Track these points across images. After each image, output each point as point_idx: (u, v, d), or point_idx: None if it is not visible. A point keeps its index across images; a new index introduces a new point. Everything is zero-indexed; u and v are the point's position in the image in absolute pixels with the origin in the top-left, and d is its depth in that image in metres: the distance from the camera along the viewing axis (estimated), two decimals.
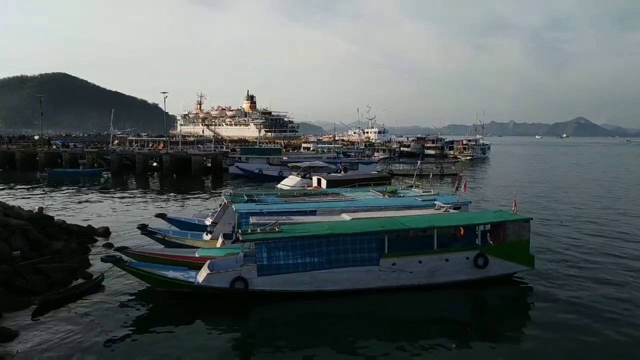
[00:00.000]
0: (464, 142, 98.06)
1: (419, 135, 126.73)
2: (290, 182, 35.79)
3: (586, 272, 16.18)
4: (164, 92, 67.32)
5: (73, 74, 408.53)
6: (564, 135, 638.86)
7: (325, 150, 72.91)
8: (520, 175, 58.62)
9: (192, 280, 13.25)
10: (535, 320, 12.41)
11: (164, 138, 77.36)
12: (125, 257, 14.09)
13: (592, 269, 16.63)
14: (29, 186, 41.13)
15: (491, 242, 15.42)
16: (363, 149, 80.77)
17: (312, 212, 17.28)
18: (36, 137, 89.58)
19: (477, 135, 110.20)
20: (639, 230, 23.51)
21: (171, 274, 13.57)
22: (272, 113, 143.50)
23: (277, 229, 13.82)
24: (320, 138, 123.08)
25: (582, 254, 18.62)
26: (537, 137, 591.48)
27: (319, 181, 28.95)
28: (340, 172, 37.90)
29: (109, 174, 53.15)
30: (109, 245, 18.96)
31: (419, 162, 46.00)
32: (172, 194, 37.18)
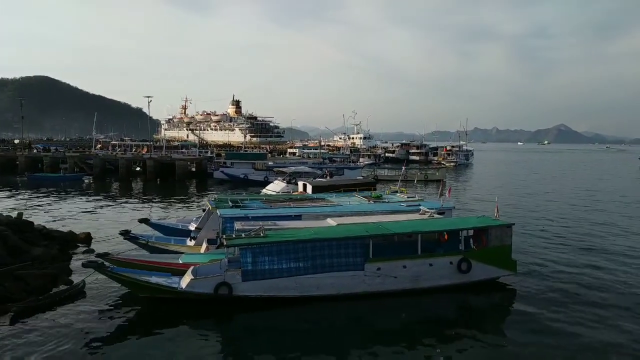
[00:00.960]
0: (448, 149, 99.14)
1: (403, 141, 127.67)
2: (276, 187, 35.68)
3: (568, 276, 16.43)
4: (148, 96, 66.59)
5: (55, 77, 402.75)
6: (546, 142, 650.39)
7: (311, 156, 73.00)
8: (502, 181, 59.42)
9: (176, 285, 13.12)
10: (518, 324, 12.54)
11: (147, 142, 76.59)
12: (107, 263, 13.87)
13: (574, 273, 16.89)
14: (8, 191, 40.28)
15: (474, 247, 15.58)
16: (348, 154, 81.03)
17: (298, 217, 17.26)
18: (16, 141, 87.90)
19: (461, 142, 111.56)
20: (618, 233, 24.00)
21: (154, 279, 13.42)
22: (258, 118, 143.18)
23: (262, 234, 13.78)
24: (306, 143, 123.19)
25: (564, 258, 18.92)
26: (519, 143, 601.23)
27: (304, 186, 28.95)
28: (325, 177, 37.96)
29: (91, 179, 52.36)
30: (90, 251, 18.66)
31: (403, 167, 46.37)
32: (155, 199, 36.77)
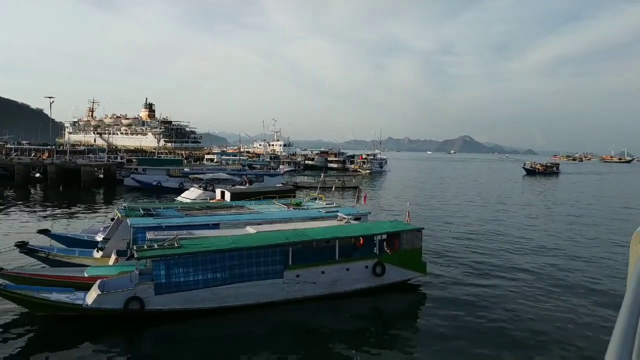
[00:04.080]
0: (364, 157, 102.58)
1: (322, 149, 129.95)
2: (191, 194, 34.57)
3: (474, 277, 17.74)
4: (50, 97, 61.60)
5: None
6: (452, 151, 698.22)
7: (230, 162, 71.70)
8: (413, 187, 62.72)
9: (80, 302, 12.18)
10: (429, 323, 13.30)
11: (49, 146, 70.45)
12: None
13: (480, 273, 18.27)
14: None
15: (388, 251, 16.29)
16: (268, 161, 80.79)
17: (215, 226, 16.89)
18: None
19: (376, 150, 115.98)
20: (520, 234, 26.40)
21: (54, 296, 12.33)
22: (173, 122, 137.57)
23: (176, 244, 13.27)
24: (225, 149, 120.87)
25: (471, 259, 20.40)
26: (428, 152, 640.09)
27: (222, 194, 28.38)
28: (245, 184, 37.51)
29: None
30: None
31: (322, 174, 47.20)
32: (57, 208, 33.85)
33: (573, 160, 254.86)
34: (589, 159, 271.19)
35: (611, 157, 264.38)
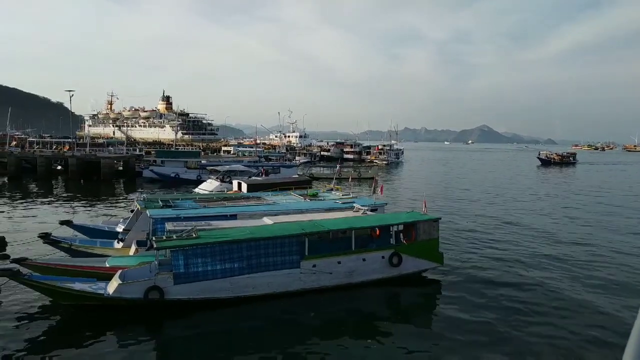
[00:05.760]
0: (380, 147, 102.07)
1: (338, 140, 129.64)
2: (208, 186, 34.92)
3: (491, 267, 17.59)
4: (70, 90, 62.60)
5: None
6: (470, 141, 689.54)
7: (247, 154, 72.11)
8: (430, 177, 62.23)
9: (102, 291, 12.47)
10: (445, 313, 13.25)
11: (70, 139, 71.77)
12: (24, 270, 12.87)
13: (497, 264, 18.10)
14: None
15: (404, 242, 16.25)
16: (284, 152, 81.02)
17: (233, 217, 17.04)
18: None
19: (392, 141, 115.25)
20: (538, 226, 26.04)
21: (77, 285, 12.64)
22: (190, 115, 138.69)
23: (194, 235, 13.45)
24: (241, 141, 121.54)
25: (488, 250, 20.23)
26: (446, 142, 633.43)
27: (239, 185, 28.60)
28: (261, 175, 37.71)
29: (5, 179, 48.19)
30: (5, 257, 17.19)
31: (338, 166, 47.16)
32: (79, 200, 34.58)
33: (595, 149, 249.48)
34: (611, 149, 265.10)
35: (635, 146, 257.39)
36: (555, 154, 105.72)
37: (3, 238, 19.32)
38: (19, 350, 10.47)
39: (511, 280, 16.00)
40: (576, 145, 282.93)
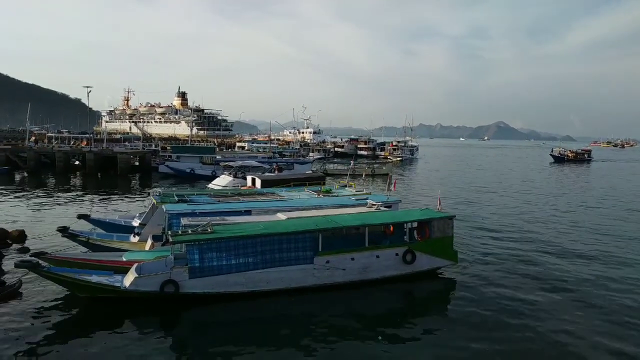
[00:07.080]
0: (394, 144, 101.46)
1: (352, 136, 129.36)
2: (222, 181, 35.19)
3: (505, 266, 17.42)
4: (88, 87, 63.65)
5: None
6: (486, 137, 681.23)
7: (261, 150, 72.41)
8: (444, 175, 61.74)
9: (119, 284, 12.68)
10: (458, 312, 13.16)
11: (87, 135, 72.87)
12: (43, 262, 13.16)
13: (511, 262, 17.91)
14: None
15: (418, 239, 16.16)
16: (298, 148, 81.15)
17: (247, 212, 17.16)
18: None
19: (407, 137, 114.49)
20: (554, 225, 25.71)
21: (95, 278, 12.89)
22: (205, 110, 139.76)
23: (209, 230, 13.58)
24: (256, 137, 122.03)
25: (502, 248, 20.03)
26: (461, 139, 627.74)
27: (253, 181, 28.75)
28: (274, 171, 37.84)
29: (25, 173, 49.17)
30: (25, 250, 17.61)
31: (352, 162, 47.00)
32: (96, 195, 35.14)
33: (614, 146, 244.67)
34: (631, 145, 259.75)
35: None
36: (570, 151, 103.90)
37: (23, 231, 19.75)
38: (38, 337, 10.72)
39: (527, 280, 15.81)
40: (595, 142, 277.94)
